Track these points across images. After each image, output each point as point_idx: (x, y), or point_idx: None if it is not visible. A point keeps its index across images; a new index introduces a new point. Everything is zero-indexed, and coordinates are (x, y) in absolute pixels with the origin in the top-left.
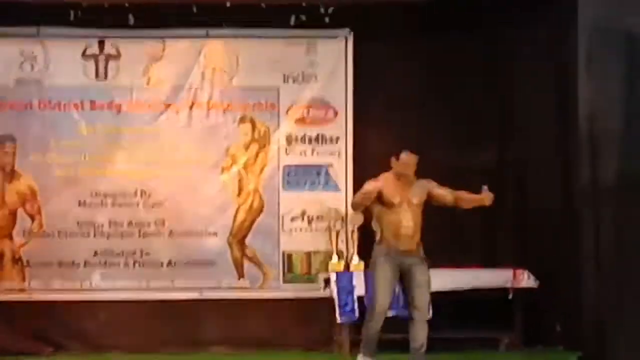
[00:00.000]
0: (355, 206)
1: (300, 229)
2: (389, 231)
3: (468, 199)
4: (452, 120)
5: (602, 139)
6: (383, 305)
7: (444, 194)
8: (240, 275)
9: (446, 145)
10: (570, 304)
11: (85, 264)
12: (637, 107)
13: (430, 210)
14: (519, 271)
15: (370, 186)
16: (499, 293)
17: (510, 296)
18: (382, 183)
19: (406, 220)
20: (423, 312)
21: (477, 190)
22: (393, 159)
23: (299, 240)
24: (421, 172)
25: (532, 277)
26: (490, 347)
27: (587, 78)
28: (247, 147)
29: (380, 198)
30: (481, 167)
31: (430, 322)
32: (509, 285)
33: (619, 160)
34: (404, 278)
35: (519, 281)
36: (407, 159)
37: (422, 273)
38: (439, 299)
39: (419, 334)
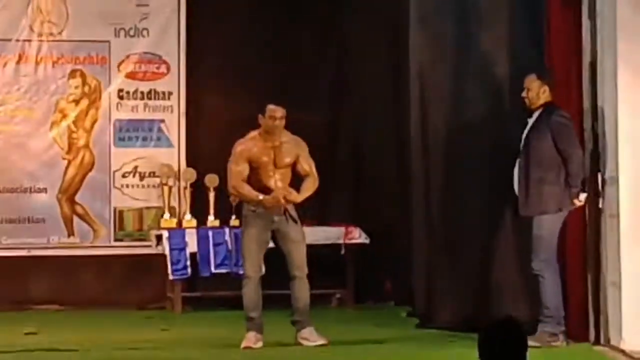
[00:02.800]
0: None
1: (132, 185)
2: (257, 190)
3: (303, 188)
4: (287, 77)
5: (432, 97)
6: (253, 269)
7: (305, 169)
8: (70, 232)
9: (280, 102)
10: (401, 261)
11: None
12: (465, 65)
13: None
14: (350, 228)
15: (251, 193)
16: (332, 249)
17: (342, 252)
18: (247, 150)
19: (274, 181)
20: (303, 269)
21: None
22: (260, 116)
23: (131, 196)
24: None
25: (363, 234)
26: (323, 303)
27: (419, 36)
28: (77, 102)
29: (248, 160)
30: (315, 125)
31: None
32: (341, 241)
33: (447, 116)
34: (276, 237)
35: (351, 237)
36: (274, 113)
37: (296, 230)
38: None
39: (302, 293)
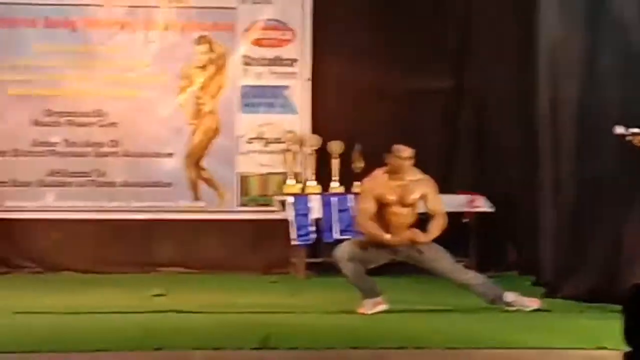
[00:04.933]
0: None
1: (257, 151)
2: (383, 227)
3: (430, 229)
4: (411, 43)
5: (562, 68)
6: (346, 255)
7: (432, 209)
8: (196, 196)
9: (404, 68)
10: (525, 230)
11: (40, 183)
12: (597, 37)
13: (387, 131)
14: (475, 196)
15: (377, 232)
16: (456, 218)
17: (466, 220)
18: (374, 189)
19: (401, 218)
20: (459, 272)
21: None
22: (387, 154)
23: (255, 162)
24: (382, 95)
25: (488, 203)
26: None
27: (549, 7)
28: (203, 68)
29: (375, 199)
30: (439, 91)
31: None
32: (465, 209)
33: (579, 89)
34: (411, 264)
35: (475, 206)
36: (400, 153)
37: (429, 251)
38: None
39: (477, 281)
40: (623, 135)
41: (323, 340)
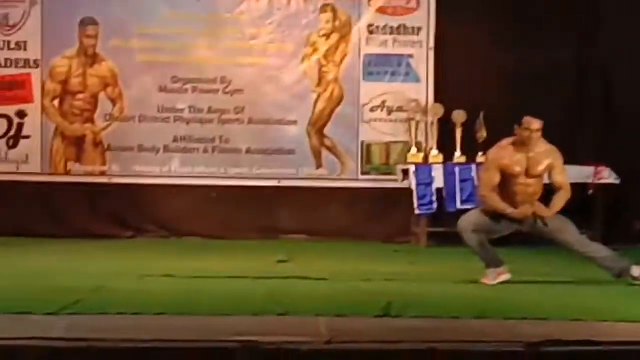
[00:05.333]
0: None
1: (380, 120)
2: (507, 198)
3: (554, 202)
4: (538, 13)
5: None
6: (469, 226)
7: (558, 181)
8: (319, 164)
9: (530, 38)
10: None
11: (165, 149)
12: None
13: (511, 101)
14: (600, 167)
15: (499, 204)
16: (581, 189)
17: (590, 192)
18: (499, 159)
19: (525, 189)
20: (583, 244)
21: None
22: (515, 126)
23: (378, 130)
24: (506, 65)
25: (613, 174)
26: None
27: None
28: (327, 36)
29: (499, 169)
30: (565, 62)
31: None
32: (589, 180)
33: None
34: (535, 234)
35: (600, 177)
36: (530, 125)
37: (553, 223)
38: None
39: (601, 254)
40: None
41: (445, 309)
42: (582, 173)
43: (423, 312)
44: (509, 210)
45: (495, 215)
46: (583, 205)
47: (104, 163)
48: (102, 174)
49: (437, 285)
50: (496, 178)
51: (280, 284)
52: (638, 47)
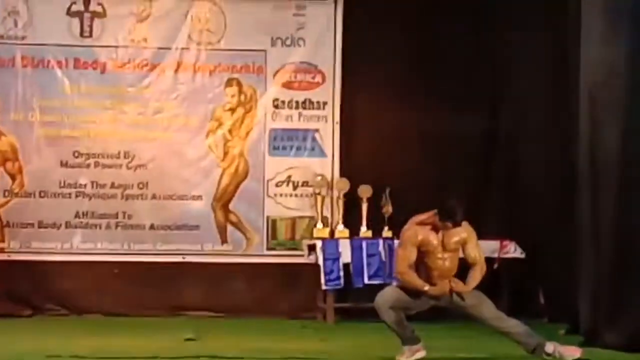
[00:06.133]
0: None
1: (286, 195)
2: (423, 274)
3: (471, 277)
4: (442, 87)
5: (603, 113)
6: (386, 304)
7: (472, 257)
8: (224, 240)
9: (435, 112)
10: (557, 277)
11: (67, 225)
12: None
13: (418, 176)
14: (505, 242)
15: (416, 282)
16: (486, 263)
17: (496, 266)
18: (416, 235)
19: (442, 263)
20: (499, 318)
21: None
22: (435, 212)
23: (284, 205)
24: (412, 139)
25: (519, 249)
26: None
27: (588, 47)
28: (233, 111)
29: (416, 245)
30: (471, 135)
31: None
32: (495, 255)
33: (621, 136)
34: (452, 310)
35: (506, 252)
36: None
37: (469, 298)
38: None
39: (518, 329)
40: None
41: None
42: (488, 248)
43: None
44: (426, 287)
45: (413, 292)
46: (489, 279)
47: (2, 240)
48: (1, 251)
49: None
50: (413, 255)
51: None
52: (546, 123)
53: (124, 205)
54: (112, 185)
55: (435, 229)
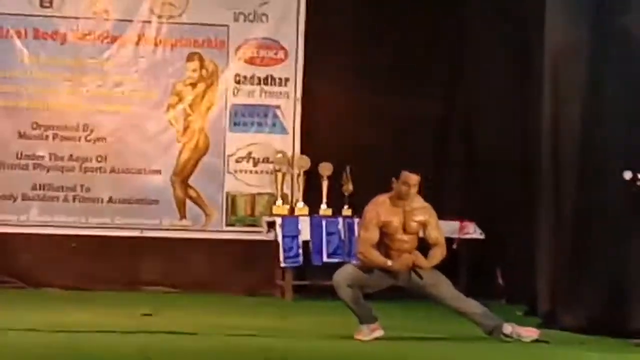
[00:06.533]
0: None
1: (246, 171)
2: (383, 255)
3: (431, 256)
4: (403, 65)
5: (565, 94)
6: (345, 282)
7: (433, 238)
8: (182, 215)
9: (397, 91)
10: (516, 258)
11: (23, 197)
12: (603, 64)
13: (378, 155)
14: (465, 222)
15: (379, 259)
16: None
17: (455, 247)
18: (377, 216)
19: (403, 245)
20: (458, 299)
21: (427, 136)
22: (393, 180)
23: (244, 182)
24: (373, 118)
25: (478, 230)
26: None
27: (552, 28)
28: (194, 85)
29: (378, 226)
30: (431, 115)
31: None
32: (454, 236)
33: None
34: (412, 292)
35: (465, 232)
36: (408, 179)
37: (429, 277)
38: None
39: (475, 310)
40: (633, 180)
41: None
42: (448, 228)
43: None
44: (389, 262)
45: (371, 270)
46: (448, 259)
47: None
48: None
49: (312, 341)
50: (375, 236)
51: (148, 339)
52: (506, 103)
53: (82, 178)
54: (71, 158)
55: (399, 197)
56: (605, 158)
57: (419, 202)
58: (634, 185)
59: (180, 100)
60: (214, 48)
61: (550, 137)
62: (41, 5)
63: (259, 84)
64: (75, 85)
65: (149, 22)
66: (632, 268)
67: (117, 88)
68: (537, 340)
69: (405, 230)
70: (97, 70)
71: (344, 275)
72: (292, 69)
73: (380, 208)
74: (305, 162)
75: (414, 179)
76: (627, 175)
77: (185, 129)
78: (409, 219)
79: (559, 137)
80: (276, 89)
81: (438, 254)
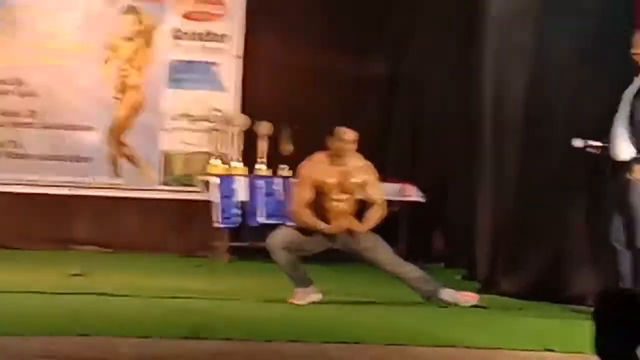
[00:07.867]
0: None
1: (182, 129)
2: (319, 215)
3: (368, 217)
4: (348, 25)
5: (509, 59)
6: (279, 244)
7: (372, 197)
8: (116, 173)
9: (340, 51)
10: (456, 223)
11: None
12: (548, 29)
13: (320, 116)
14: (406, 185)
15: (310, 220)
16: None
17: (396, 209)
18: (313, 174)
19: (339, 205)
20: (397, 264)
21: (370, 98)
22: (329, 137)
23: (180, 140)
24: (315, 77)
25: (419, 193)
26: None
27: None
28: (130, 40)
29: (313, 184)
30: (375, 77)
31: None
32: (396, 198)
33: (528, 80)
34: (349, 254)
35: (407, 195)
36: (343, 136)
37: (365, 240)
38: None
39: (414, 275)
40: (581, 148)
41: (258, 332)
42: (389, 190)
43: (234, 334)
44: (321, 225)
45: (307, 232)
46: (388, 222)
47: None
48: None
49: (247, 304)
50: (309, 195)
51: (78, 301)
52: (452, 66)
53: (13, 133)
54: (1, 113)
55: (337, 154)
56: (550, 125)
57: (358, 160)
58: (585, 152)
59: (116, 54)
60: (152, 2)
61: (493, 102)
62: None
63: (198, 40)
64: (5, 37)
65: None
66: (573, 234)
67: (50, 41)
68: (475, 306)
69: (342, 189)
70: (28, 22)
71: (278, 238)
72: (232, 25)
73: (316, 166)
74: (244, 120)
75: (349, 134)
76: (578, 142)
77: (121, 84)
78: (346, 178)
79: (503, 104)
80: (215, 45)
81: (376, 214)
